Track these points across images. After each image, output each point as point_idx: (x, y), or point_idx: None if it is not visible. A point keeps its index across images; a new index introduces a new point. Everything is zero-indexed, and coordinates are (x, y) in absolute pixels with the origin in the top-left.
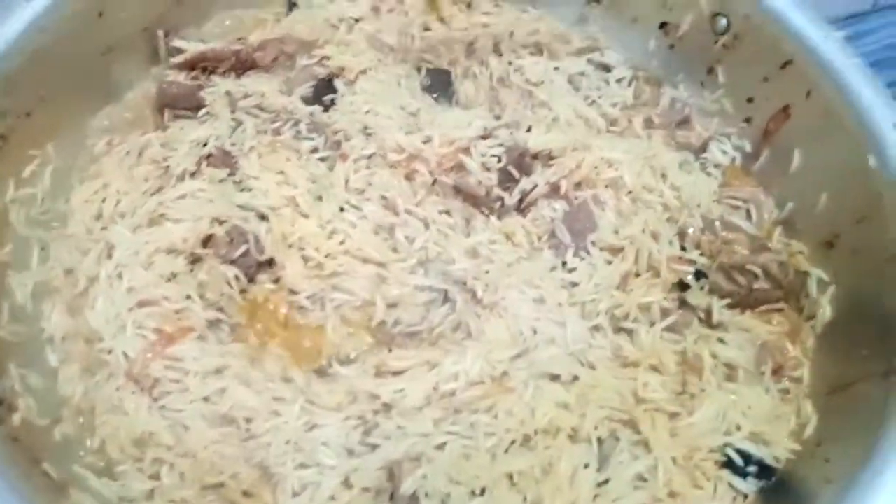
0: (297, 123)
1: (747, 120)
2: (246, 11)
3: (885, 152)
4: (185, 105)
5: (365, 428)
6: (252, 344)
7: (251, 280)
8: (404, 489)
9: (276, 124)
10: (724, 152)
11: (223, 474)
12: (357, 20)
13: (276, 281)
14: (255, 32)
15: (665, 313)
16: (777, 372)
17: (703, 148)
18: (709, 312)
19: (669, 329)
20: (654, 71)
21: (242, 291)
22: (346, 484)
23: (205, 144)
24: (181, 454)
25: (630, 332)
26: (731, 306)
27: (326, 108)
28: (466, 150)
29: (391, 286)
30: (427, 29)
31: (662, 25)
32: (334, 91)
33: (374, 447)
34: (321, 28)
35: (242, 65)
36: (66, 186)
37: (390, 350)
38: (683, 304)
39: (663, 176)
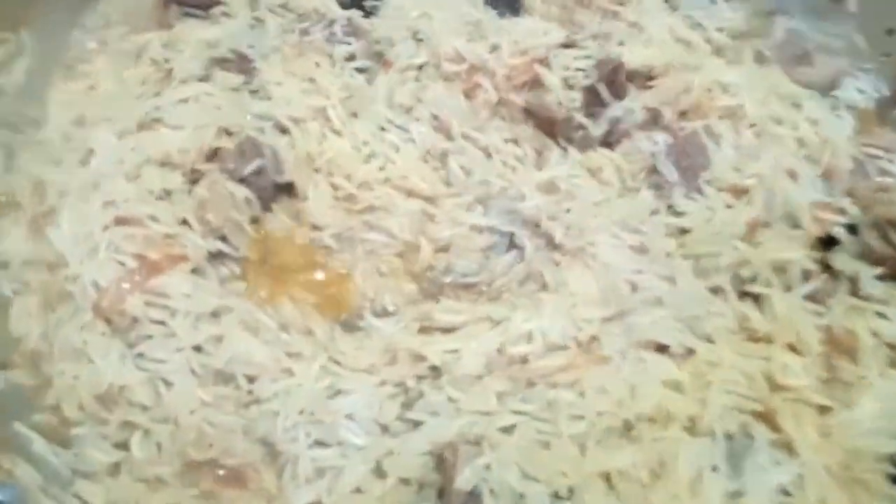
0: (330, 24)
1: (887, 54)
2: None
3: None
4: (195, 1)
5: (405, 398)
6: (262, 284)
7: (266, 208)
8: (460, 482)
9: (306, 24)
10: (861, 91)
11: (213, 448)
12: None
13: (296, 212)
14: None
15: (805, 276)
16: None
17: (834, 84)
18: (855, 280)
19: (810, 297)
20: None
21: (254, 221)
22: (378, 471)
23: (216, 47)
24: (159, 418)
25: (759, 298)
26: (883, 276)
27: (368, 14)
28: (544, 62)
29: (441, 226)
30: None
31: None
32: None
33: (417, 424)
34: None
35: None
36: (43, 85)
37: (438, 300)
38: (827, 268)
39: (796, 106)
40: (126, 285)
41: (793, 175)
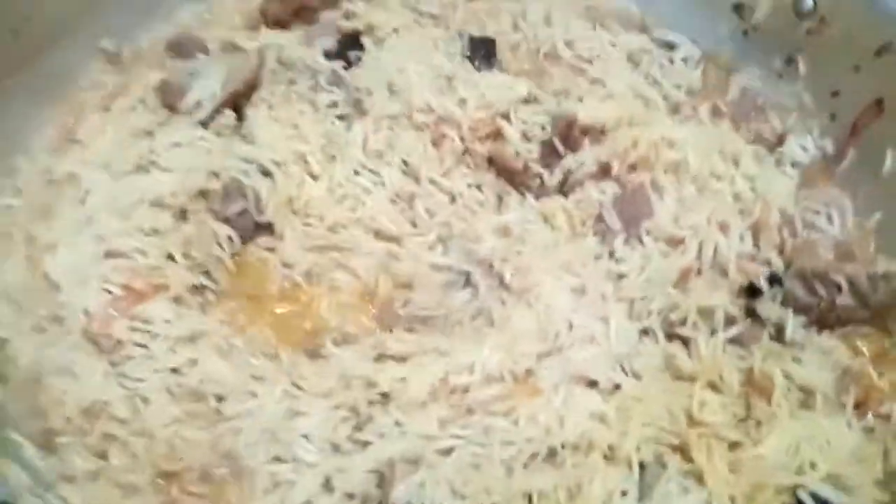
0: (315, 75)
1: (832, 116)
2: None
3: None
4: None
5: (357, 421)
6: (236, 313)
7: (245, 243)
8: (395, 497)
9: (293, 74)
10: (804, 149)
11: (182, 461)
12: None
13: (272, 250)
14: None
15: (730, 321)
16: (860, 406)
17: (780, 141)
18: (780, 328)
19: (734, 341)
20: (725, 58)
21: (234, 255)
22: (327, 486)
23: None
24: (136, 431)
25: (686, 340)
26: (807, 323)
27: (349, 66)
28: (506, 116)
29: (404, 263)
30: None
31: (737, 8)
32: (361, 48)
33: (365, 444)
34: None
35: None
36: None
37: (392, 330)
38: (752, 314)
39: (735, 162)
40: (113, 311)
41: (724, 228)
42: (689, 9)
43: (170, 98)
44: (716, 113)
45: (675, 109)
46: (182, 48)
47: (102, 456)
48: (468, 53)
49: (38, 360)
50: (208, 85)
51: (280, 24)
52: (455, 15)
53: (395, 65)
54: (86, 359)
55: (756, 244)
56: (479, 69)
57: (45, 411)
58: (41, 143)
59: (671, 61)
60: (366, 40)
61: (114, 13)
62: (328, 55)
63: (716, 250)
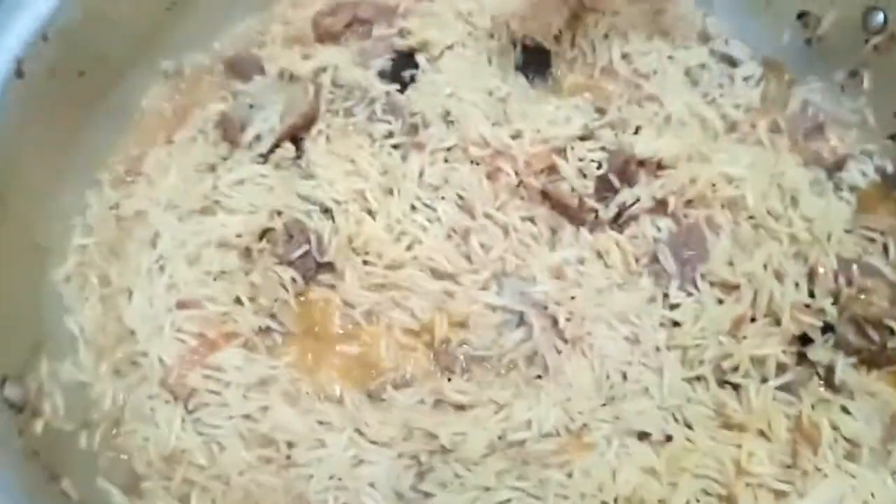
0: (371, 103)
1: (892, 137)
2: None
3: None
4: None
5: (419, 470)
6: (302, 355)
7: (307, 283)
8: None
9: (349, 103)
10: (864, 174)
11: None
12: None
13: (333, 287)
14: None
15: (781, 369)
16: None
17: (839, 166)
18: (831, 369)
19: (784, 388)
20: (787, 68)
21: (298, 295)
22: None
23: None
24: (214, 476)
25: (737, 388)
26: (857, 364)
27: (405, 87)
28: (562, 152)
29: (459, 302)
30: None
31: (801, 15)
32: (415, 66)
33: (427, 496)
34: None
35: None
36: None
37: (450, 379)
38: (803, 358)
39: (793, 200)
40: (188, 362)
41: (780, 276)
42: (754, 14)
43: (230, 132)
44: (774, 129)
45: (732, 128)
46: (240, 68)
47: (185, 500)
48: (523, 62)
49: (120, 406)
50: (268, 118)
51: (333, 37)
52: (510, 27)
53: (450, 87)
54: (164, 406)
55: (811, 292)
56: (532, 82)
57: (129, 457)
58: (109, 178)
59: (731, 79)
60: (420, 58)
61: (171, 34)
62: (383, 75)
63: (770, 298)
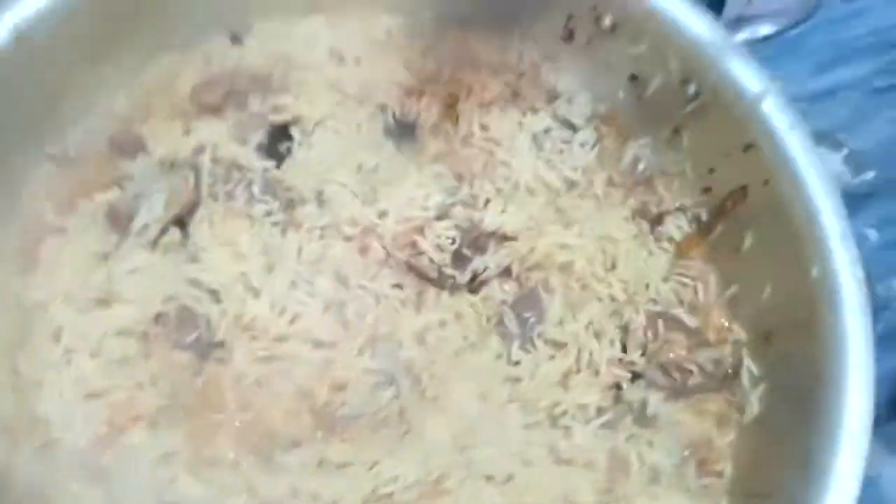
0: (250, 184)
1: (706, 190)
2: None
3: (827, 265)
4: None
5: None
6: (202, 427)
7: (202, 360)
8: None
9: (229, 186)
10: (679, 227)
11: None
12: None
13: (224, 362)
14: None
15: (600, 411)
16: (702, 465)
17: (660, 220)
18: (644, 404)
19: (604, 426)
20: (621, 122)
21: (194, 374)
22: None
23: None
24: None
25: (567, 429)
26: (665, 398)
27: (281, 161)
28: (421, 231)
29: (338, 368)
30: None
31: (633, 78)
32: (290, 139)
33: None
34: (274, 62)
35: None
36: None
37: (331, 440)
38: (618, 399)
39: (613, 264)
40: (100, 446)
41: (598, 335)
42: (597, 73)
43: (119, 222)
44: (610, 183)
45: (572, 186)
46: (123, 147)
47: None
48: (390, 130)
49: (39, 490)
50: (153, 208)
51: (212, 109)
52: (376, 93)
53: (322, 165)
54: (86, 486)
55: (624, 346)
56: (399, 148)
57: None
58: (8, 267)
59: (570, 144)
60: (294, 131)
61: (52, 116)
62: (260, 149)
63: (591, 355)
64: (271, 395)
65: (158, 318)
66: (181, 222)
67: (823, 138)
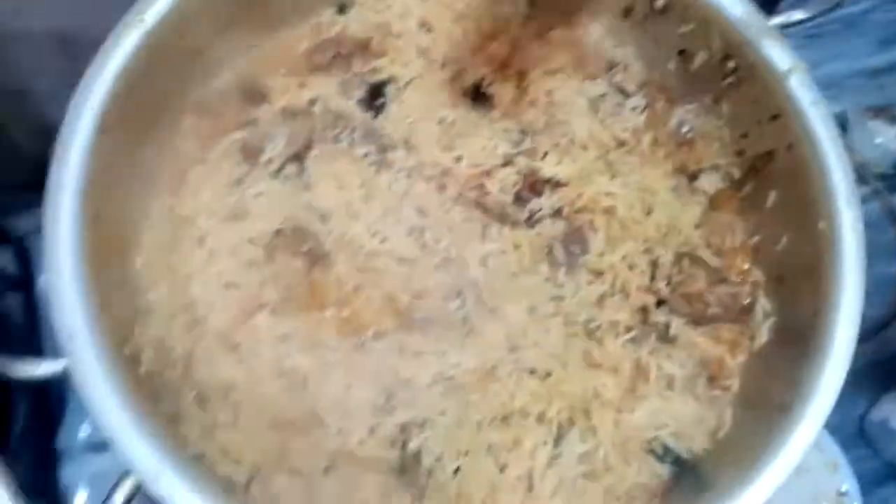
0: (353, 131)
1: (739, 152)
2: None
3: (833, 221)
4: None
5: (387, 395)
6: (310, 318)
7: (312, 267)
8: (411, 446)
9: (336, 131)
10: (713, 183)
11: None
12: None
13: (330, 270)
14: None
15: (628, 328)
16: (713, 380)
17: (696, 176)
18: (667, 326)
19: (631, 340)
20: (670, 90)
21: (306, 276)
22: (372, 432)
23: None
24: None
25: (599, 340)
26: (687, 323)
27: (377, 114)
28: (489, 175)
29: (417, 281)
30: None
31: (681, 52)
32: (385, 95)
33: (393, 409)
34: (373, 30)
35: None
36: None
37: (409, 334)
38: (645, 321)
39: (650, 212)
40: (233, 325)
41: (631, 267)
42: (653, 45)
43: (250, 156)
44: (655, 143)
45: (621, 144)
46: (251, 97)
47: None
48: (467, 92)
49: (188, 353)
50: (276, 146)
51: (322, 68)
52: (457, 60)
53: (410, 118)
54: (223, 354)
55: (653, 276)
56: (474, 108)
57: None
58: (163, 188)
59: (622, 107)
60: (389, 88)
61: (196, 73)
62: (361, 102)
63: (624, 282)
64: (364, 298)
65: (279, 232)
66: (298, 158)
67: (881, 112)
